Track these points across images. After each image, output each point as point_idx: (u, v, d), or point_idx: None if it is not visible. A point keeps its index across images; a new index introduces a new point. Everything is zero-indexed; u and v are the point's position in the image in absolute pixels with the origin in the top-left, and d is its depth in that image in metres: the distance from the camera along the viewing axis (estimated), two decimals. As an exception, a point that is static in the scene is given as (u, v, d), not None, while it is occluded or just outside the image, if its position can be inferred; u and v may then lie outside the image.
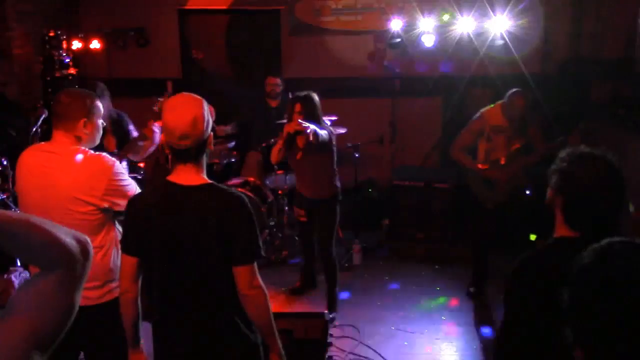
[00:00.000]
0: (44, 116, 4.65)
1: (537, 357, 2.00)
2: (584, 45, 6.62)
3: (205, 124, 2.23)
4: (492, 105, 4.68)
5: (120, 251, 2.70)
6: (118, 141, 4.25)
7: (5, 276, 4.48)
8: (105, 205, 2.62)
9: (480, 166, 4.71)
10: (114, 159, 2.71)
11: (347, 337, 4.30)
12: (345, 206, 6.40)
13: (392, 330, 4.43)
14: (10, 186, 4.72)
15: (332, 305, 4.64)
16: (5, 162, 4.71)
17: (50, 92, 6.09)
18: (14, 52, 5.99)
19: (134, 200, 2.39)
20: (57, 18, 6.56)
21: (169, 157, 2.32)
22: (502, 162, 4.64)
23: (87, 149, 2.69)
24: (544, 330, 1.95)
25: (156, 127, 3.83)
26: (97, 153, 2.68)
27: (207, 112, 2.26)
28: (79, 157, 2.62)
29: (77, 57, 6.55)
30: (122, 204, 2.65)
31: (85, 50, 6.69)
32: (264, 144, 5.70)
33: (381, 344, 4.24)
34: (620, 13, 6.17)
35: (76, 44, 6.51)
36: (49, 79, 6.11)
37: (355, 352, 4.14)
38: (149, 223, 2.25)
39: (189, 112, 2.19)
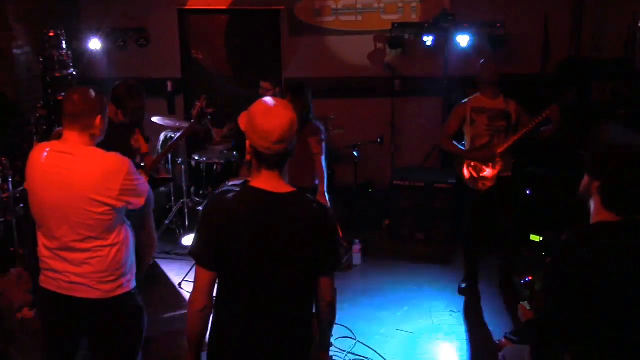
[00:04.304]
0: (43, 117, 4.63)
1: (579, 339, 2.05)
2: (584, 45, 6.62)
3: (296, 129, 2.16)
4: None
5: (130, 247, 2.75)
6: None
7: (5, 276, 4.49)
8: (120, 205, 2.63)
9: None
10: (127, 157, 2.69)
11: (347, 337, 4.30)
12: (346, 206, 6.45)
13: (392, 330, 4.43)
14: (10, 186, 4.73)
15: None
16: (5, 162, 4.70)
17: (50, 92, 6.09)
18: (14, 52, 5.99)
19: (212, 209, 2.19)
20: (57, 18, 6.56)
21: (253, 162, 2.21)
22: (484, 141, 4.69)
23: (101, 149, 2.68)
24: (586, 314, 2.00)
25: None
26: (111, 152, 2.67)
27: None
28: (94, 157, 2.62)
29: (77, 57, 6.56)
30: (135, 202, 2.68)
31: (85, 50, 6.69)
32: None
33: (381, 344, 4.23)
34: (620, 13, 6.17)
35: (76, 44, 6.51)
36: (49, 79, 6.11)
37: (355, 352, 4.13)
38: (236, 232, 2.10)
39: (286, 114, 2.11)
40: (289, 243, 2.13)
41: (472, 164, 4.73)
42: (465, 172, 4.75)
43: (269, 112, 2.12)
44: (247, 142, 2.18)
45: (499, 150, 4.64)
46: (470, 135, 4.79)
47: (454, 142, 4.83)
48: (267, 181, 2.18)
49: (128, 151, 3.98)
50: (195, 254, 2.19)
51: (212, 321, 2.27)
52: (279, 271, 2.14)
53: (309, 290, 2.26)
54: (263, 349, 2.21)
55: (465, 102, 4.81)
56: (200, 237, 2.18)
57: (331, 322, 2.40)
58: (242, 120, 2.20)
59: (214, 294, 2.24)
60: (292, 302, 2.21)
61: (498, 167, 4.67)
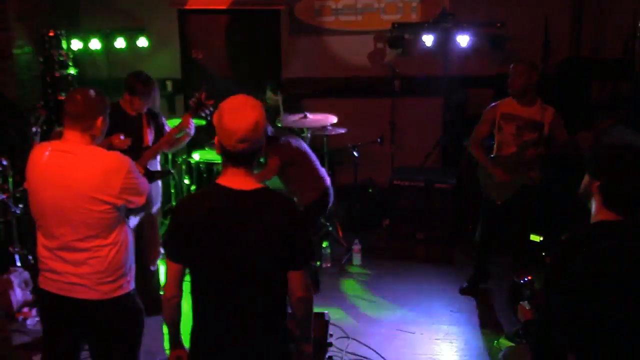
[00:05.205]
0: (43, 117, 4.63)
1: (580, 339, 2.05)
2: (584, 45, 6.62)
3: (264, 129, 2.19)
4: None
5: (129, 248, 2.77)
6: (155, 135, 4.24)
7: (5, 276, 4.49)
8: (121, 203, 2.66)
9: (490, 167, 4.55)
10: (127, 156, 2.73)
11: (347, 337, 4.30)
12: (346, 206, 6.44)
13: (392, 330, 4.43)
14: (10, 187, 4.73)
15: None
16: (5, 162, 4.70)
17: (50, 92, 6.09)
18: (14, 52, 5.99)
19: (181, 205, 2.31)
20: (57, 18, 6.56)
21: (222, 158, 2.23)
22: (512, 150, 4.42)
23: (102, 148, 2.72)
24: (587, 314, 2.01)
25: (192, 122, 4.05)
26: (111, 151, 2.70)
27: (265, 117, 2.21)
28: (95, 156, 2.65)
29: (77, 57, 6.55)
30: (136, 201, 2.72)
31: (85, 50, 6.69)
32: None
33: (381, 344, 4.24)
34: (620, 13, 6.18)
35: (76, 44, 6.51)
36: (49, 79, 6.11)
37: (356, 352, 4.14)
38: (201, 229, 2.17)
39: (251, 115, 2.14)
40: (255, 240, 2.16)
41: (496, 175, 4.50)
42: (486, 182, 4.60)
43: (236, 111, 2.16)
44: (216, 138, 2.21)
45: (524, 162, 4.38)
46: (498, 141, 4.52)
47: (482, 151, 4.58)
48: (233, 178, 2.21)
49: (141, 144, 4.04)
50: (165, 247, 2.32)
51: (192, 316, 2.32)
52: (246, 267, 2.18)
53: (280, 285, 2.26)
54: (237, 343, 2.25)
55: (495, 105, 4.51)
56: (169, 232, 2.28)
57: (305, 318, 2.38)
58: (215, 116, 2.22)
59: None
60: (263, 297, 2.24)
61: (522, 179, 4.44)
